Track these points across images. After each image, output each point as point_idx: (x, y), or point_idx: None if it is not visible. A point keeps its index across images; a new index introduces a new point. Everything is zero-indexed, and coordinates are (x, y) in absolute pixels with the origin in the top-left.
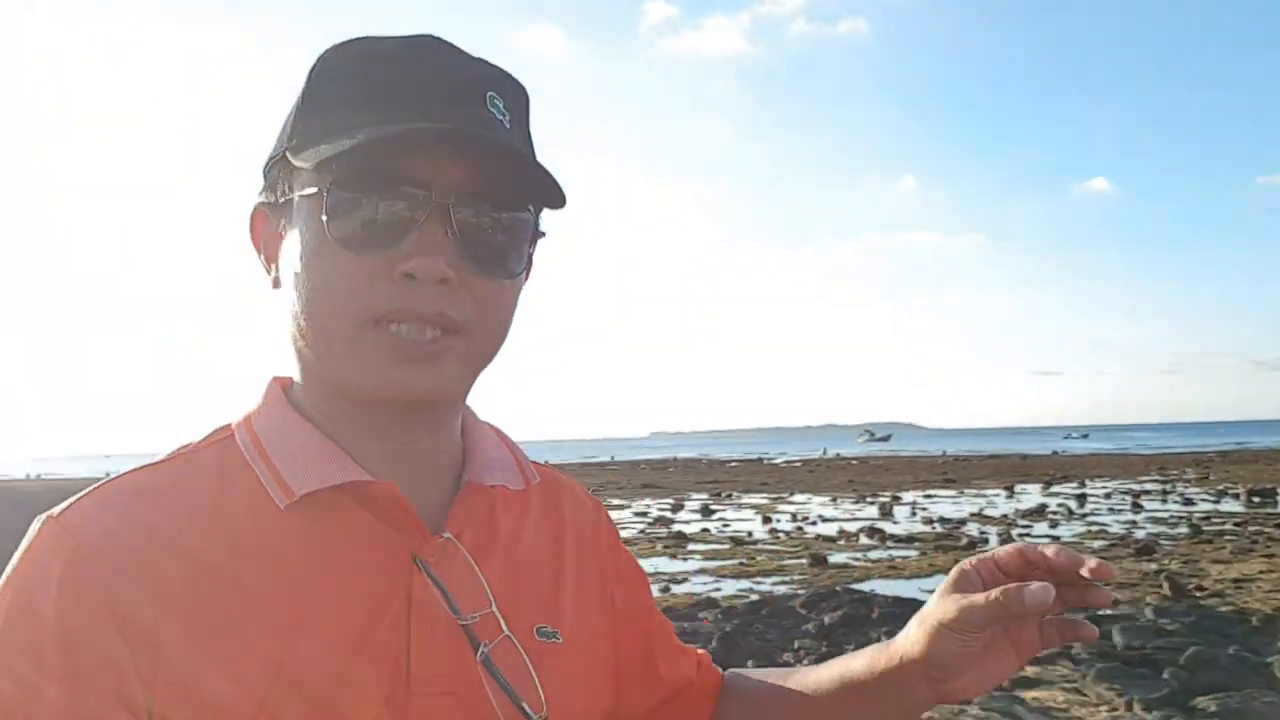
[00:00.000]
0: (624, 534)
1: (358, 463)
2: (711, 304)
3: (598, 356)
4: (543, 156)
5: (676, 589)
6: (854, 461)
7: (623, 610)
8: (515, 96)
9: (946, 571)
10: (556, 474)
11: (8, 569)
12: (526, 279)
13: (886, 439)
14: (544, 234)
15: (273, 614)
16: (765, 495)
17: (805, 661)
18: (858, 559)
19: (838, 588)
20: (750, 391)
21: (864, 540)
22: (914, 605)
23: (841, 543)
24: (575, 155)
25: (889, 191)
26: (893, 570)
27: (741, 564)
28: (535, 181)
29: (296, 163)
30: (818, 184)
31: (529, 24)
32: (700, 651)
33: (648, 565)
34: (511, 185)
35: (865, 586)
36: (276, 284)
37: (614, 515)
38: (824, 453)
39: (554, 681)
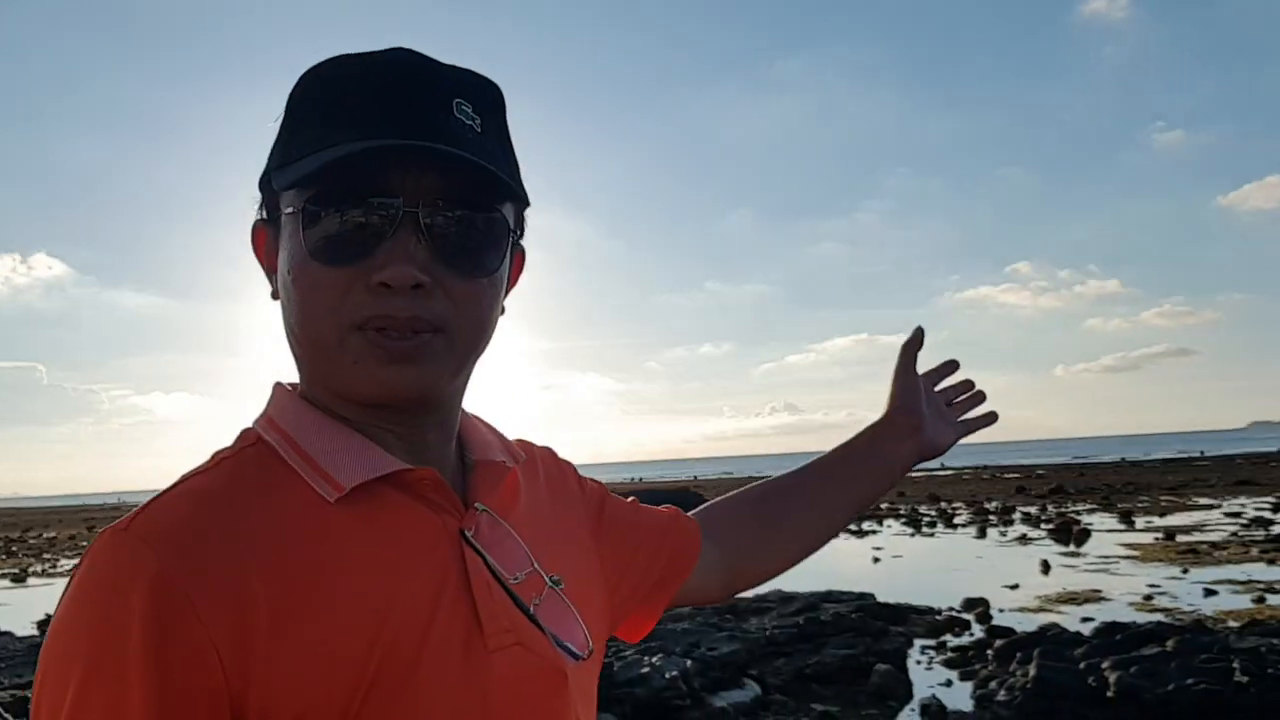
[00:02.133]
0: (1211, 537)
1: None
2: None
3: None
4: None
5: (1272, 599)
6: None
7: (607, 527)
8: (488, 100)
9: None
10: (529, 444)
11: (75, 594)
12: (518, 273)
13: None
14: (523, 232)
15: (352, 594)
16: None
17: None
18: None
19: None
20: None
21: None
22: None
23: None
24: None
25: None
26: None
27: None
28: (503, 183)
29: (276, 184)
30: None
31: None
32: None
33: (1238, 572)
34: (480, 188)
35: None
36: (275, 295)
37: (1201, 516)
38: None
39: (579, 628)
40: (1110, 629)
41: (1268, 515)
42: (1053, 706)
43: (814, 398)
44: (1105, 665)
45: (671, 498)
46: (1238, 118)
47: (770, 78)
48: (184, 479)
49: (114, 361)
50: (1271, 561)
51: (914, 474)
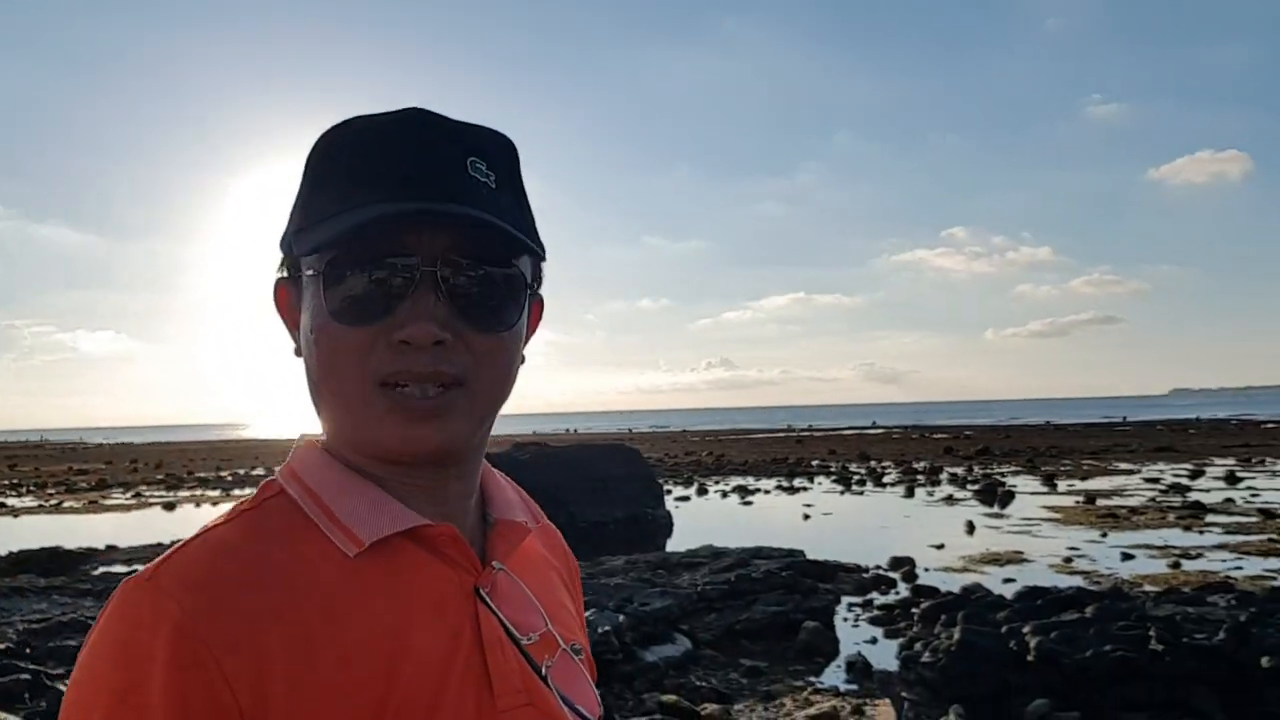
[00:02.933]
0: (1131, 502)
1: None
2: (1247, 238)
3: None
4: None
5: (1187, 565)
6: None
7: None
8: (501, 156)
9: None
10: (546, 521)
11: (101, 636)
12: (536, 323)
13: None
14: (540, 282)
15: (367, 649)
16: None
17: None
18: None
19: None
20: None
21: None
22: None
23: None
24: None
25: None
26: None
27: (1271, 540)
28: (518, 239)
29: (296, 248)
30: None
31: None
32: None
33: (1155, 537)
34: (496, 245)
35: None
36: (298, 353)
37: (1121, 481)
38: None
39: (591, 691)
40: (1032, 593)
41: (1185, 482)
42: (975, 669)
43: (749, 354)
44: (1026, 630)
45: (609, 452)
46: (1172, 93)
47: (714, 35)
48: (206, 529)
49: (37, 297)
50: (1188, 528)
51: (844, 433)
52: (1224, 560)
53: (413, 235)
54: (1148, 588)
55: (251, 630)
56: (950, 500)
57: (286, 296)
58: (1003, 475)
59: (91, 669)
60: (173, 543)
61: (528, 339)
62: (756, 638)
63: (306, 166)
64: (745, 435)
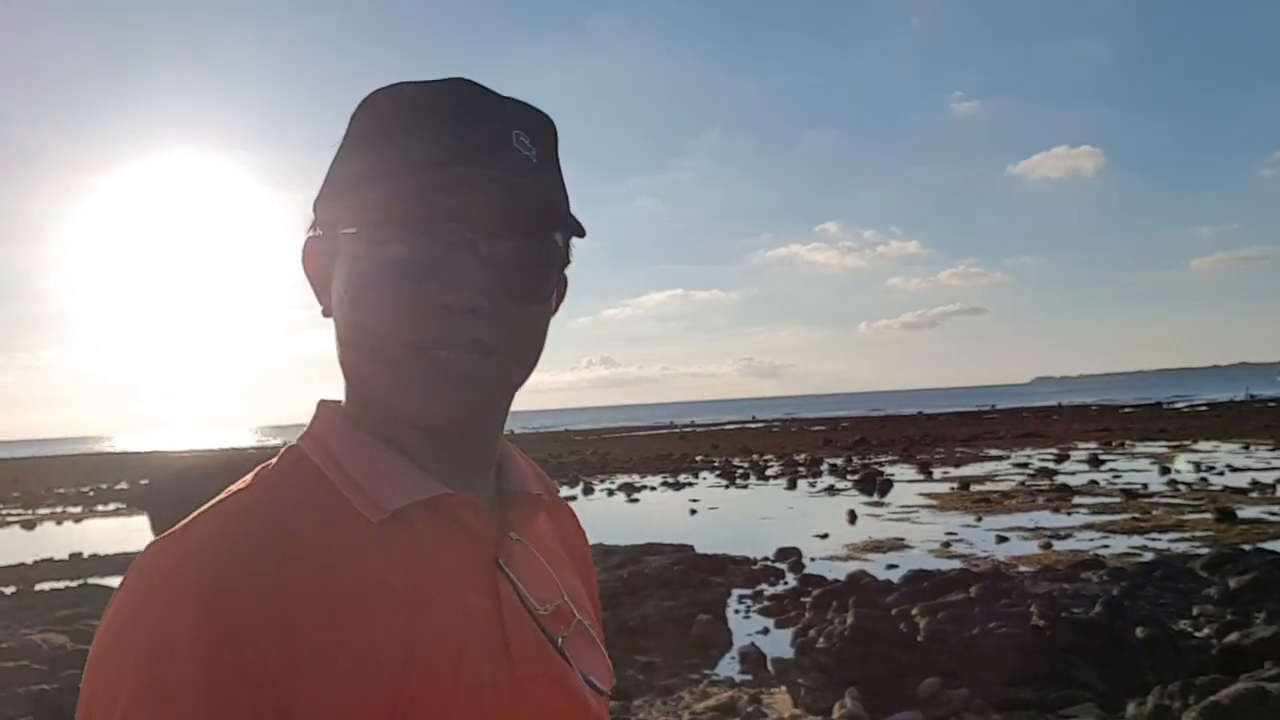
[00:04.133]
0: (1002, 486)
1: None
2: (1101, 231)
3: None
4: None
5: (1058, 545)
6: (1271, 404)
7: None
8: (542, 132)
9: None
10: (558, 497)
11: (127, 599)
12: (560, 301)
13: None
14: (570, 260)
15: (391, 616)
16: (1164, 443)
17: (1206, 631)
18: (1274, 514)
19: (1247, 547)
20: (1147, 329)
21: None
22: None
23: (1254, 495)
24: None
25: None
26: None
27: (1134, 519)
28: (558, 212)
29: (340, 203)
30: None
31: None
32: None
33: (1027, 520)
34: (536, 217)
35: None
36: (326, 313)
37: (993, 467)
38: (1248, 394)
39: (603, 663)
40: (918, 576)
41: (1052, 466)
42: (869, 652)
43: (630, 351)
44: (915, 611)
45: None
46: (1029, 91)
47: (585, 33)
48: (228, 495)
49: None
50: (1056, 509)
51: (726, 427)
52: (1092, 539)
53: (459, 200)
54: (1023, 568)
55: (280, 596)
56: (832, 491)
57: (315, 256)
58: (881, 465)
59: (113, 647)
60: (35, 562)
61: (553, 314)
62: (651, 634)
63: (350, 128)
64: (629, 433)
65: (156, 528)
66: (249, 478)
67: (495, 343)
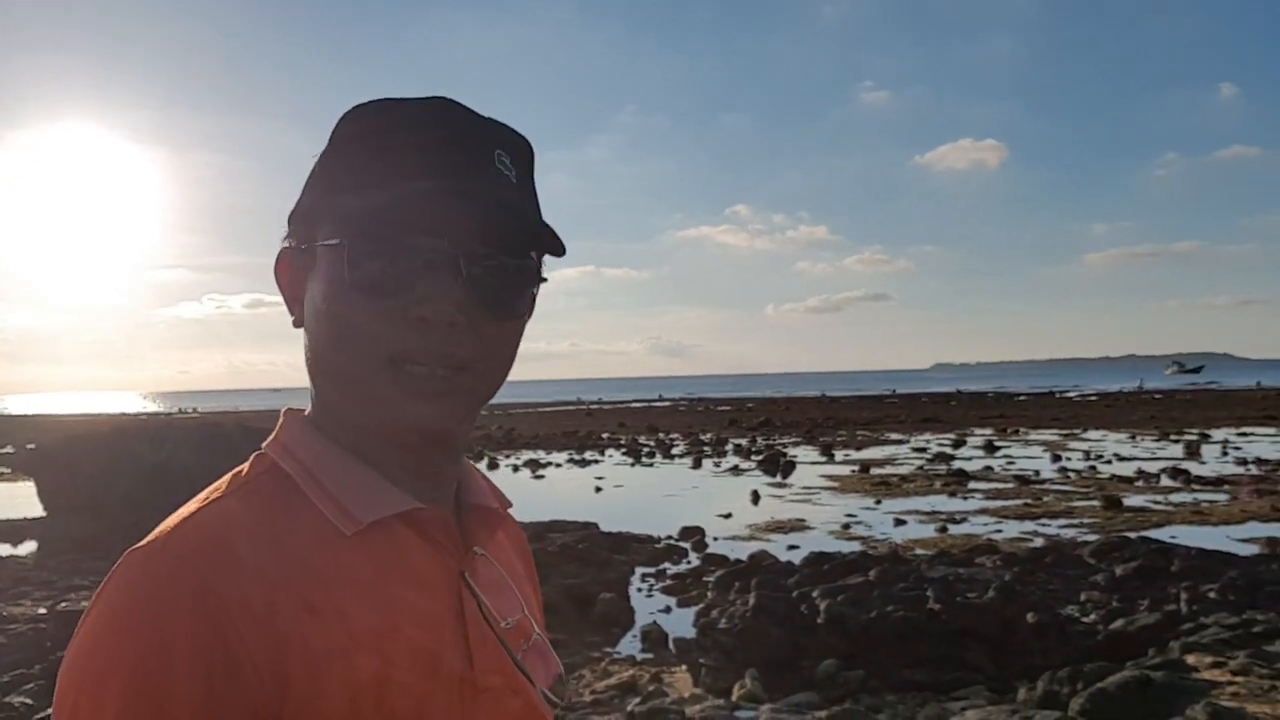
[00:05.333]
0: (901, 470)
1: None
2: (1001, 223)
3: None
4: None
5: (954, 529)
6: (1158, 395)
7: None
8: (521, 154)
9: (1261, 519)
10: (510, 507)
11: (110, 605)
12: (529, 318)
13: (1198, 371)
14: (545, 279)
15: (364, 627)
16: (1056, 431)
17: (1093, 617)
18: (1158, 502)
19: (1133, 534)
20: (1042, 320)
21: (1165, 482)
22: (1221, 558)
23: (1140, 484)
24: None
25: (1205, 103)
26: (1198, 516)
27: (1026, 504)
28: (536, 233)
29: (321, 215)
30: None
31: None
32: None
33: (924, 503)
34: (516, 236)
35: (1165, 534)
36: (298, 324)
37: (892, 451)
38: (1140, 385)
39: (558, 673)
40: (819, 559)
41: (949, 451)
42: (769, 633)
43: (538, 326)
44: (816, 594)
45: None
46: (937, 83)
47: (495, 4)
48: (206, 502)
49: None
50: (953, 494)
51: (633, 405)
52: (986, 524)
53: (441, 215)
54: (920, 551)
55: (267, 600)
56: (736, 471)
57: (289, 266)
58: (784, 446)
59: (102, 639)
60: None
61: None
62: (553, 611)
63: (332, 140)
64: (535, 409)
65: (43, 494)
66: (223, 484)
67: (470, 358)
